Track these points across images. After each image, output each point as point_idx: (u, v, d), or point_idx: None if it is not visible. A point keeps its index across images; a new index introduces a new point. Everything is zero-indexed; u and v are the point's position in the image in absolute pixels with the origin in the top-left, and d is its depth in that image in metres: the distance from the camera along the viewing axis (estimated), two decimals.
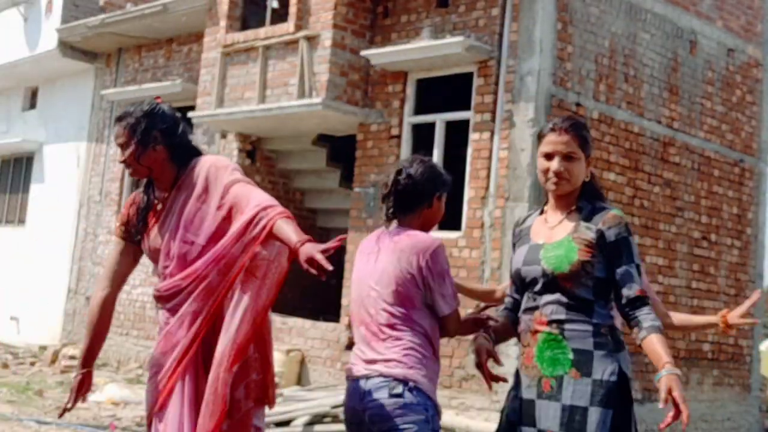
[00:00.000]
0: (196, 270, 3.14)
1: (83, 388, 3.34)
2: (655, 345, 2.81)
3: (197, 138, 12.79)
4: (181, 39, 13.48)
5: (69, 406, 3.35)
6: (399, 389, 3.07)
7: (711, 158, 11.29)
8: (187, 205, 3.21)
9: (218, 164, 3.24)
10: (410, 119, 10.32)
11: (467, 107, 9.82)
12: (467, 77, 9.85)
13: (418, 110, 10.35)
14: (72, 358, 13.12)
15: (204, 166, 3.23)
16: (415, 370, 3.09)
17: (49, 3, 15.15)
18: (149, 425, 3.22)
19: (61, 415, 3.48)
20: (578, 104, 9.62)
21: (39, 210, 15.88)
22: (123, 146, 3.25)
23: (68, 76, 15.59)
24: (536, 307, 3.00)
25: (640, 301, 2.89)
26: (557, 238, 3.01)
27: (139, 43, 14.12)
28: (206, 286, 3.14)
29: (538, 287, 2.99)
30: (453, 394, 9.07)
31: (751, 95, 12.00)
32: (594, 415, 2.86)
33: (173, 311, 3.21)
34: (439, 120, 10.09)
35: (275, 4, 11.70)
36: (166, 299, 3.24)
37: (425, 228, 3.30)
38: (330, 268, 2.80)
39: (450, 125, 10.08)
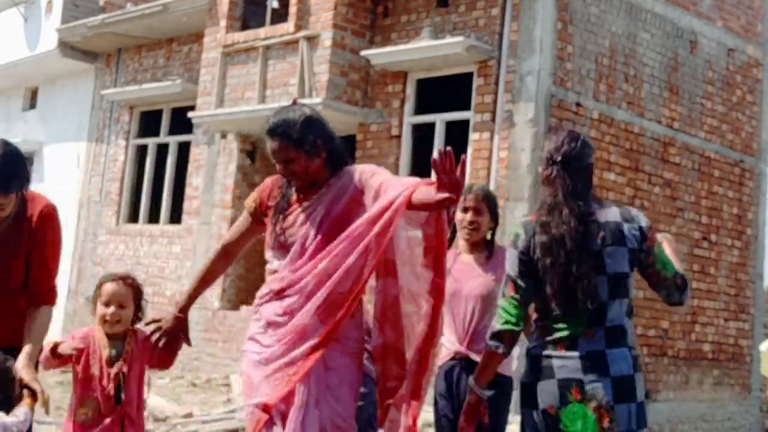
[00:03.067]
0: (330, 251, 3.16)
1: (177, 337, 3.49)
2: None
3: (197, 138, 12.80)
4: (181, 39, 13.47)
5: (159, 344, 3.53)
6: None
7: (711, 158, 11.28)
8: (337, 204, 3.24)
9: (373, 169, 3.28)
10: (410, 119, 10.32)
11: (467, 107, 9.82)
12: (467, 77, 9.85)
13: (418, 110, 10.34)
14: None
15: (358, 170, 3.26)
16: None
17: (49, 3, 15.14)
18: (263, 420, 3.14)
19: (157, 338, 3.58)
20: (578, 104, 9.62)
21: None
22: (288, 161, 3.25)
23: (68, 76, 15.58)
24: None
25: None
26: None
27: (139, 43, 14.11)
28: (346, 269, 3.13)
29: None
30: None
31: (751, 95, 11.99)
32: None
33: (291, 306, 3.20)
34: (439, 120, 10.09)
35: (275, 4, 11.70)
36: (290, 286, 3.22)
37: None
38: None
39: (450, 125, 10.07)
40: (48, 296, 3.51)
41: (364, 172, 3.26)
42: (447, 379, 4.07)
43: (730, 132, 11.63)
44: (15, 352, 3.36)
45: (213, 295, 11.86)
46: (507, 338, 3.15)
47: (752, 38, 12.08)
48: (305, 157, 3.24)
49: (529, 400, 3.14)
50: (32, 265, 3.45)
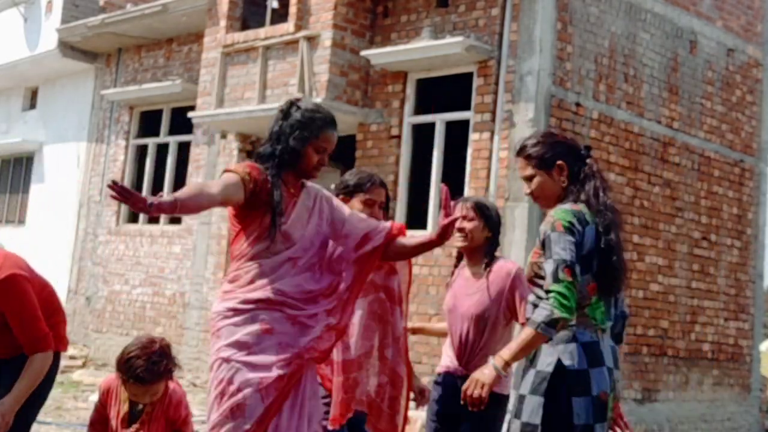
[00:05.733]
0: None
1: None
2: (517, 337, 3.12)
3: (197, 138, 12.80)
4: (181, 39, 13.48)
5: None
6: None
7: (711, 158, 11.29)
8: (323, 215, 3.41)
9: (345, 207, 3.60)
10: (410, 119, 10.32)
11: (467, 107, 9.82)
12: (467, 77, 9.85)
13: (418, 110, 10.35)
14: (72, 358, 13.12)
15: (323, 192, 3.49)
16: None
17: (49, 3, 15.15)
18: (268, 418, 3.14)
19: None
20: (578, 104, 9.62)
21: (39, 210, 15.88)
22: (328, 154, 3.44)
23: (68, 76, 15.59)
24: None
25: (545, 296, 3.08)
26: None
27: (139, 43, 14.12)
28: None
29: None
30: None
31: (751, 95, 12.00)
32: (528, 402, 3.08)
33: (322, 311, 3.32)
34: (439, 120, 10.09)
35: (275, 4, 11.70)
36: (323, 295, 3.35)
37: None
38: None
39: (450, 125, 10.08)
40: (38, 345, 3.58)
41: (341, 208, 3.49)
42: (442, 388, 4.05)
43: (730, 132, 11.63)
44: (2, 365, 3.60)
45: (213, 295, 11.87)
46: (560, 327, 3.03)
47: (752, 38, 12.08)
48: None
49: (583, 387, 3.08)
50: (13, 328, 3.56)
